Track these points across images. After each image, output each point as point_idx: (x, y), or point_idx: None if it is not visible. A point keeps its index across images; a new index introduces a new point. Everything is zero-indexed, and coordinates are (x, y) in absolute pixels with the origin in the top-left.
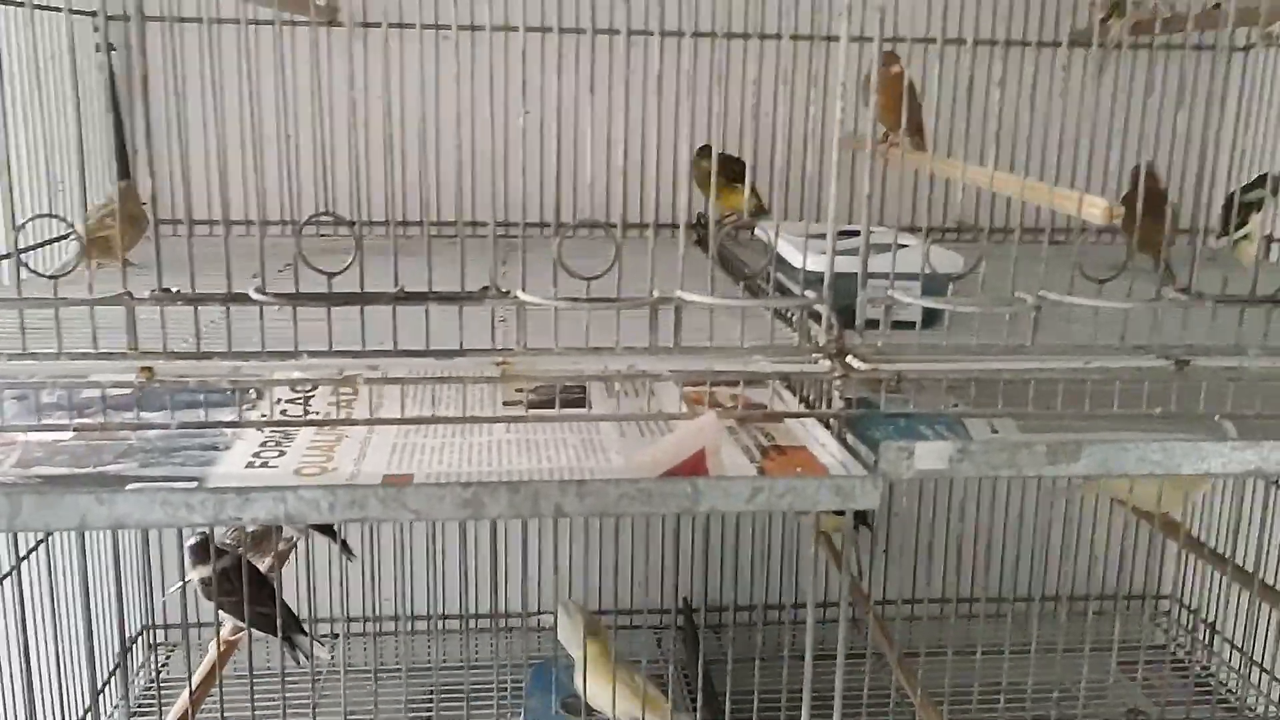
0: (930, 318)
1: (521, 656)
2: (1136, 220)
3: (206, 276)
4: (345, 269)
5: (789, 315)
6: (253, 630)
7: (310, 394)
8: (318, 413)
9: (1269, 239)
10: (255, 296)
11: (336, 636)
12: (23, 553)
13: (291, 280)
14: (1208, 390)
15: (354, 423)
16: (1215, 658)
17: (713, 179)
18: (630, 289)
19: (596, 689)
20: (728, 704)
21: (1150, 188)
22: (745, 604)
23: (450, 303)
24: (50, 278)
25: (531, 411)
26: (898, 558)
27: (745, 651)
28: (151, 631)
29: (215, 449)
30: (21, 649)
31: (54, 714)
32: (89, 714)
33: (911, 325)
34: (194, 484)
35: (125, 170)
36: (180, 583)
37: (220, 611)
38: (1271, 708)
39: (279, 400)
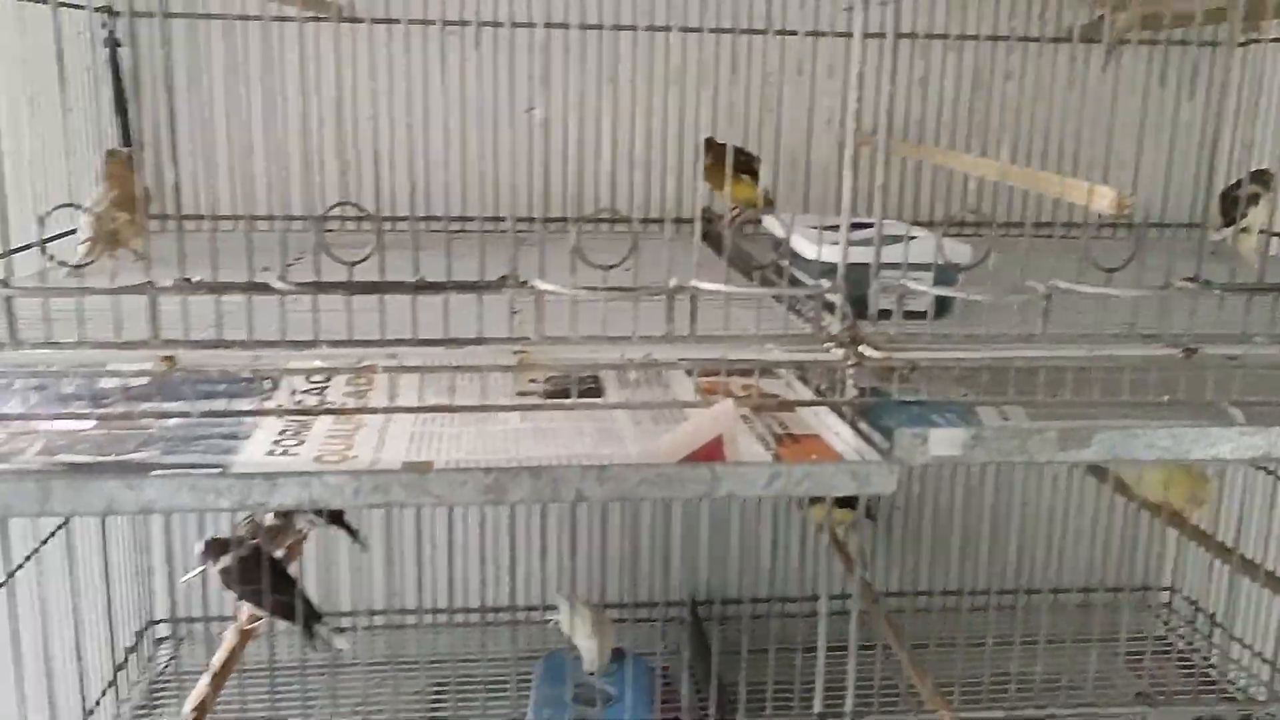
0: (942, 307)
1: (539, 649)
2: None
3: (225, 269)
4: (365, 258)
5: (800, 307)
6: (273, 619)
7: (325, 385)
8: (334, 403)
9: (1267, 233)
10: (277, 285)
11: (355, 630)
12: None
13: (311, 271)
14: (1215, 378)
15: (374, 411)
16: (1216, 649)
17: (728, 170)
18: (645, 281)
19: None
20: (742, 692)
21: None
22: (751, 597)
23: (469, 291)
24: (75, 267)
25: (549, 400)
26: (913, 548)
27: (750, 644)
28: (153, 627)
29: (235, 438)
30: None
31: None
32: (105, 694)
33: (923, 315)
34: (219, 470)
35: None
36: (199, 569)
37: (239, 600)
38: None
39: (294, 391)
